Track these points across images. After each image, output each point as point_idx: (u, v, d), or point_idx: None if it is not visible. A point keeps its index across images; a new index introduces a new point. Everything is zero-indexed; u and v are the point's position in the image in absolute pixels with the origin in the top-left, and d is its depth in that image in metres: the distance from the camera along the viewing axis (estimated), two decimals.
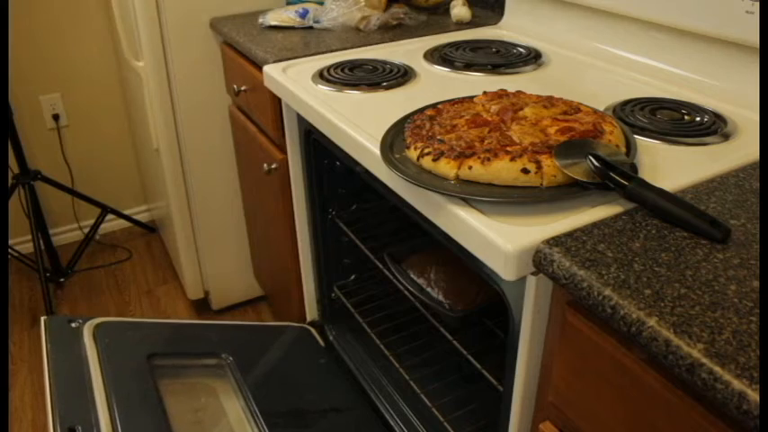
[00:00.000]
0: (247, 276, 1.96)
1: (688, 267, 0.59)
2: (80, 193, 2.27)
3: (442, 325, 1.06)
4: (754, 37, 0.90)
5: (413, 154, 0.78)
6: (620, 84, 1.05)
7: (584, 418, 0.67)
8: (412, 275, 1.10)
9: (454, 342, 1.03)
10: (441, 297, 1.05)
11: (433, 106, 0.90)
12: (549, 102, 0.87)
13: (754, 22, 0.89)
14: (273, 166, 1.38)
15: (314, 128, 1.08)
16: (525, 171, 0.70)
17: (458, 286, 1.06)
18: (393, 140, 0.84)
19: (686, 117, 0.91)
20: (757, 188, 0.72)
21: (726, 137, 0.85)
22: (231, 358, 1.21)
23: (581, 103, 0.86)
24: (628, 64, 1.11)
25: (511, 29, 1.38)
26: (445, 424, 1.09)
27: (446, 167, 0.73)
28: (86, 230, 2.33)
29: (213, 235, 1.86)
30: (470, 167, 0.72)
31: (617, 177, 0.68)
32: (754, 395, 0.45)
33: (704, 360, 0.48)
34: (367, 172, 0.91)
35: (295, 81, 1.12)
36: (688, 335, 0.50)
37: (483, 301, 1.04)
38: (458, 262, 1.09)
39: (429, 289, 1.07)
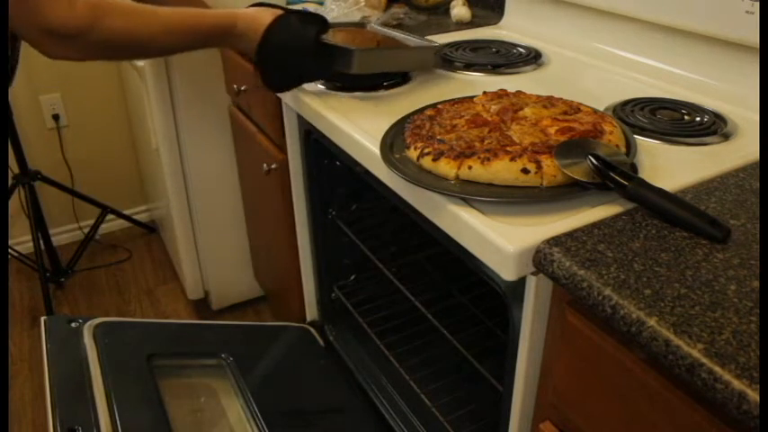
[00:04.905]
0: (247, 276, 1.96)
1: (688, 267, 0.59)
2: (80, 193, 2.27)
3: None
4: (754, 37, 0.90)
5: (413, 154, 0.78)
6: (620, 84, 1.05)
7: (584, 418, 0.67)
8: None
9: (454, 342, 1.03)
10: None
11: (433, 106, 0.90)
12: (549, 102, 0.87)
13: (754, 22, 0.89)
14: (273, 166, 1.38)
15: (314, 128, 1.08)
16: (525, 171, 0.70)
17: None
18: (393, 140, 0.84)
19: (686, 117, 0.91)
20: (757, 188, 0.72)
21: (726, 137, 0.85)
22: (231, 358, 1.21)
23: (581, 104, 0.86)
24: (628, 64, 1.11)
25: (511, 29, 1.38)
26: (445, 424, 1.09)
27: (446, 167, 0.73)
28: (86, 230, 2.32)
29: (213, 235, 1.86)
30: (470, 167, 0.72)
31: (617, 177, 0.68)
32: (754, 395, 0.45)
33: (704, 360, 0.48)
34: (367, 172, 0.91)
35: None
36: (688, 335, 0.50)
37: None
38: None
39: None
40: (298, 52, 1.02)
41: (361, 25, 1.25)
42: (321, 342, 1.37)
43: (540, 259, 0.63)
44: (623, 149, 0.76)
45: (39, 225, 2.10)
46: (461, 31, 1.41)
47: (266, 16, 1.00)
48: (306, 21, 1.04)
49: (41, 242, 2.11)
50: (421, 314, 1.10)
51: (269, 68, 1.02)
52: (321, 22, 1.05)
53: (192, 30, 0.99)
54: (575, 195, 0.70)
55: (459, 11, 1.47)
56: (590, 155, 0.70)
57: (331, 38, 1.09)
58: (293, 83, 1.09)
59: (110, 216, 2.36)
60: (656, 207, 0.66)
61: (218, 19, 1.00)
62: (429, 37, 1.36)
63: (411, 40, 1.16)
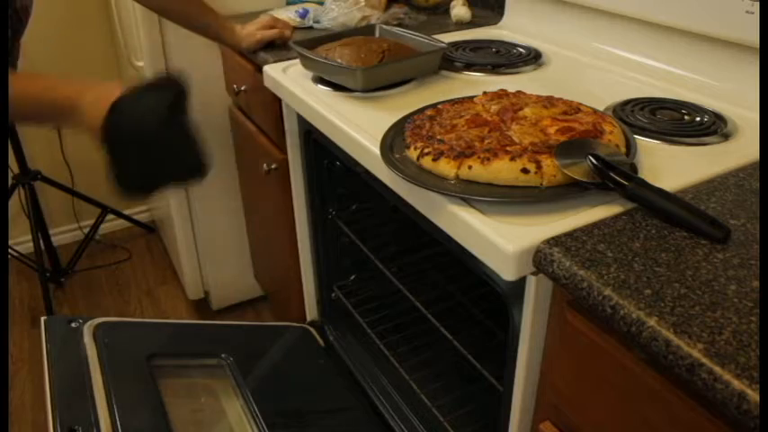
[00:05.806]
0: (247, 276, 1.96)
1: (688, 267, 0.59)
2: (80, 193, 2.27)
3: None
4: (754, 37, 0.90)
5: (413, 154, 0.78)
6: (620, 84, 1.05)
7: (584, 418, 0.67)
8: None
9: (454, 342, 1.03)
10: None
11: (433, 106, 0.90)
12: (549, 102, 0.87)
13: (754, 22, 0.89)
14: (273, 166, 1.38)
15: (314, 128, 1.08)
16: (525, 171, 0.70)
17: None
18: (393, 140, 0.84)
19: (686, 117, 0.91)
20: (757, 188, 0.72)
21: (726, 137, 0.85)
22: (231, 358, 1.21)
23: (581, 103, 0.86)
24: (628, 64, 1.11)
25: (511, 29, 1.38)
26: (445, 424, 1.09)
27: (446, 167, 0.73)
28: (86, 230, 2.32)
29: (213, 235, 1.86)
30: (470, 167, 0.72)
31: (617, 177, 0.68)
32: (754, 395, 0.45)
33: (704, 360, 0.48)
34: (367, 172, 0.91)
35: (295, 81, 1.12)
36: (688, 335, 0.50)
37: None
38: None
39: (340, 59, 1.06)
40: (145, 139, 0.81)
41: (369, 31, 1.25)
42: (321, 342, 1.37)
43: (540, 259, 0.63)
44: (623, 149, 0.76)
45: (39, 225, 2.10)
46: (461, 31, 1.41)
47: (113, 95, 0.79)
48: (157, 91, 0.84)
49: (41, 242, 2.11)
50: (421, 314, 1.10)
51: (122, 166, 0.81)
52: (176, 93, 0.84)
53: (32, 102, 0.82)
54: (575, 195, 0.70)
55: (459, 11, 1.47)
56: (590, 155, 0.70)
57: (337, 51, 1.08)
58: (154, 182, 0.90)
59: (110, 216, 2.36)
60: (656, 207, 0.66)
61: (61, 94, 0.82)
62: None
63: (420, 42, 1.16)
